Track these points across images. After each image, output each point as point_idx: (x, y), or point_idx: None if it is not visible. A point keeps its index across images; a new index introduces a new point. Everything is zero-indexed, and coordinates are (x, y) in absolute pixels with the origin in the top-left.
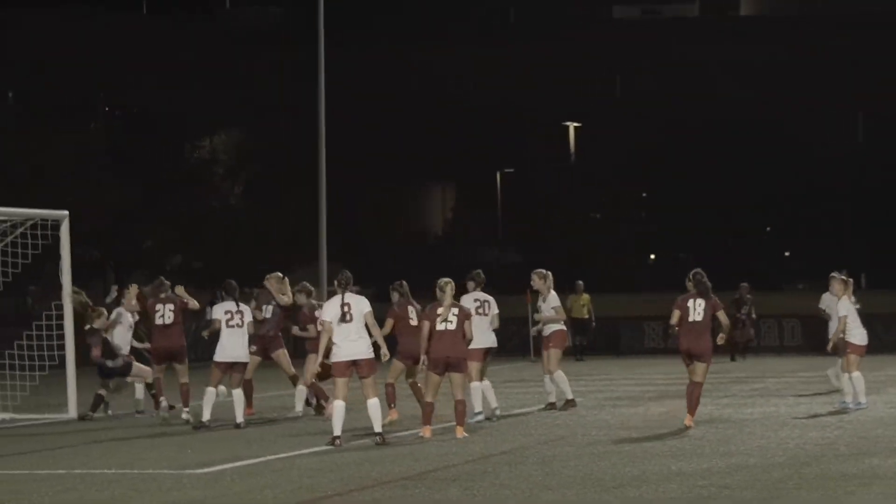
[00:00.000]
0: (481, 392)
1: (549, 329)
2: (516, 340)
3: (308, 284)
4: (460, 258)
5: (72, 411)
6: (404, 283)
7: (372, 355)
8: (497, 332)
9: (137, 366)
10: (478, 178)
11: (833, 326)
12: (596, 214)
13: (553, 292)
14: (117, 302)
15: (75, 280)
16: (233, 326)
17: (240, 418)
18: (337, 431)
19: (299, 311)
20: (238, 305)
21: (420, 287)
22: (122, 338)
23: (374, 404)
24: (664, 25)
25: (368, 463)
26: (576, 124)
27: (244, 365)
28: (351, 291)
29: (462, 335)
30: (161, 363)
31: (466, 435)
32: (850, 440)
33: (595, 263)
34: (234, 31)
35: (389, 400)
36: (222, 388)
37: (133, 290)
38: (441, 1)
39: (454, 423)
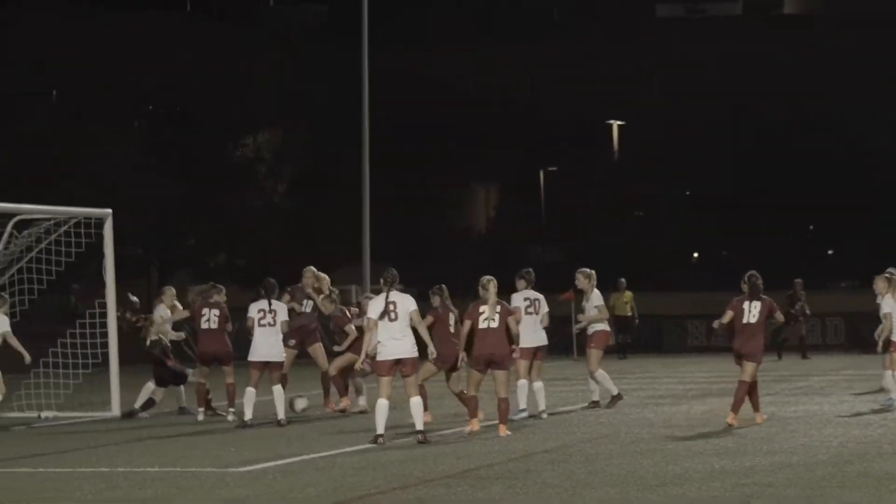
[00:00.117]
0: (527, 390)
1: (593, 328)
2: (559, 339)
3: (332, 295)
4: (503, 256)
5: (115, 409)
6: (444, 287)
7: (416, 354)
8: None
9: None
10: (521, 177)
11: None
12: (639, 213)
13: (597, 291)
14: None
15: (118, 278)
16: (265, 325)
17: (281, 415)
18: (380, 430)
19: (329, 320)
20: (271, 304)
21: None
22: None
23: (416, 403)
24: (707, 24)
25: (411, 461)
26: (619, 122)
27: (280, 363)
28: (396, 290)
29: (505, 333)
30: (207, 366)
31: (509, 433)
32: (893, 438)
33: (638, 261)
34: (278, 29)
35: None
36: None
37: (170, 292)
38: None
39: (497, 422)
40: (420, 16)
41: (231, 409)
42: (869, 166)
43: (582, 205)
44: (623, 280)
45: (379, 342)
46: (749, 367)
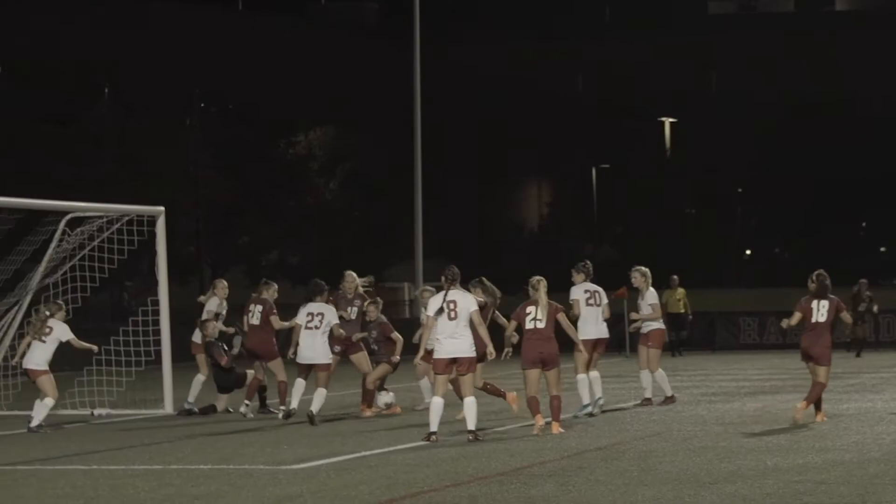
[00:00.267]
0: (587, 385)
1: (648, 327)
2: (611, 336)
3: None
4: (555, 253)
5: (168, 407)
6: (483, 279)
7: (473, 353)
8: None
9: (250, 373)
10: (574, 174)
11: None
12: (691, 210)
13: (652, 289)
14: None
15: (171, 276)
16: (311, 328)
17: (315, 408)
18: (433, 427)
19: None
20: (318, 306)
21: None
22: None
23: (470, 402)
24: (760, 20)
25: (464, 459)
26: (671, 120)
27: (326, 365)
28: (457, 288)
29: (554, 333)
30: (252, 361)
31: (562, 430)
32: None
33: (690, 259)
34: (330, 26)
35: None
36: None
37: (222, 284)
38: None
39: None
40: (473, 12)
41: (281, 408)
42: None
43: (634, 202)
44: (675, 277)
45: (436, 340)
46: (821, 370)
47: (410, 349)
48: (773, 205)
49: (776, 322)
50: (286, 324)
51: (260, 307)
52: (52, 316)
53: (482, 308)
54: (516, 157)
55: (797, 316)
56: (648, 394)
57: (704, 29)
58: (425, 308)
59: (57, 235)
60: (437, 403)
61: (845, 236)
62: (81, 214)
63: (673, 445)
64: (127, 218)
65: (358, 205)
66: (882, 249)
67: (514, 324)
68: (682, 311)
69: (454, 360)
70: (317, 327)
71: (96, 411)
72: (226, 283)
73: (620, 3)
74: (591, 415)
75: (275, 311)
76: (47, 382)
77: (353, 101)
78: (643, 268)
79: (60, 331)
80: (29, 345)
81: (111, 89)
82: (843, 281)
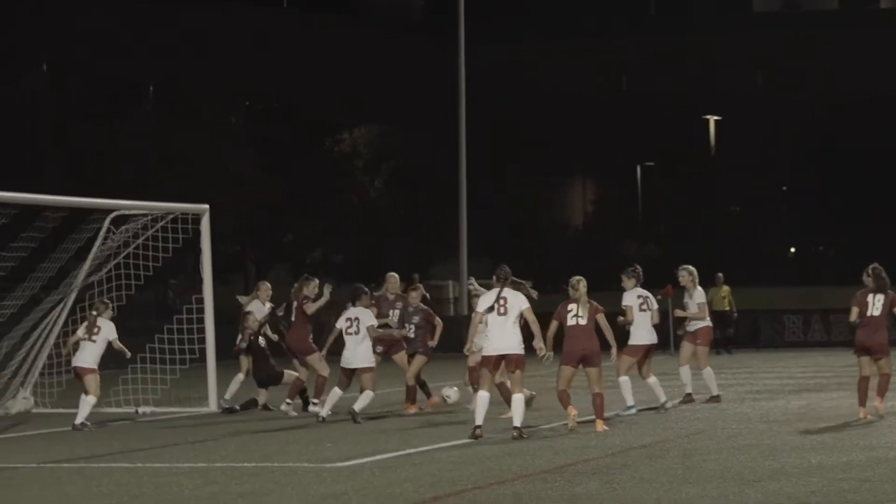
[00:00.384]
0: (630, 385)
1: (696, 325)
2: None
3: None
4: (600, 251)
5: (212, 405)
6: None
7: (522, 351)
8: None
9: (288, 372)
10: (618, 171)
11: None
12: (736, 208)
13: (700, 288)
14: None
15: (215, 274)
16: (350, 334)
17: (357, 409)
18: (479, 421)
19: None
20: (356, 311)
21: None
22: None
23: (518, 399)
24: (804, 18)
25: (508, 456)
26: (716, 118)
27: (368, 368)
28: (509, 287)
29: (594, 330)
30: (292, 359)
31: (606, 428)
32: None
33: (735, 256)
34: (375, 23)
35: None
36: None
37: (265, 286)
38: None
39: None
40: (518, 11)
41: (314, 401)
42: None
43: (678, 199)
44: (721, 275)
45: (486, 336)
46: (882, 362)
47: (455, 347)
48: (817, 202)
49: (820, 320)
50: (318, 304)
51: (295, 303)
52: (99, 315)
53: None
54: (561, 155)
55: (855, 311)
56: (689, 389)
57: (749, 26)
58: (475, 297)
59: (102, 234)
60: (483, 398)
61: (891, 234)
62: (126, 212)
63: (717, 443)
64: (171, 216)
65: (402, 203)
66: None
67: (555, 324)
68: (728, 308)
69: (503, 357)
70: (355, 332)
71: (140, 409)
72: (269, 284)
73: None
74: (656, 409)
75: (307, 301)
76: (92, 381)
77: (398, 99)
78: (690, 266)
79: (108, 330)
80: (78, 343)
81: (155, 88)
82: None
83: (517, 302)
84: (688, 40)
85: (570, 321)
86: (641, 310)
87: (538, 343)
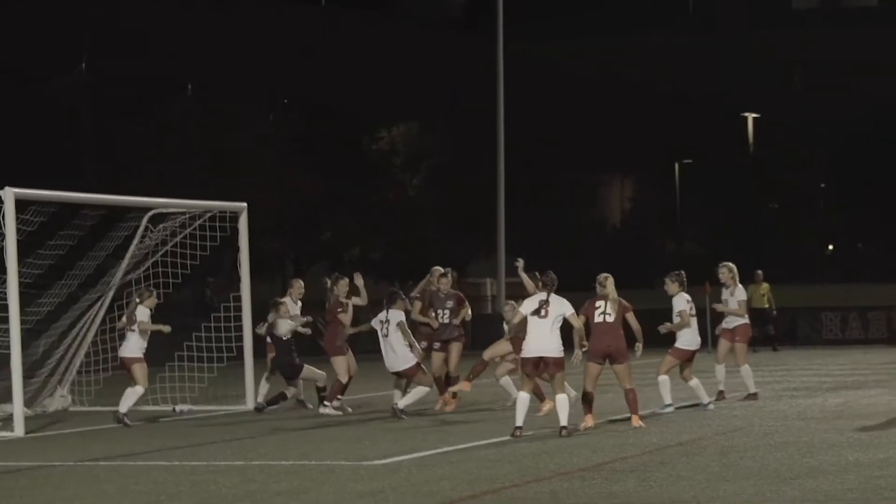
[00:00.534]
0: (669, 384)
1: (735, 322)
2: None
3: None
4: (638, 249)
5: (250, 403)
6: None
7: (561, 354)
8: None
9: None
10: (657, 169)
11: None
12: (774, 205)
13: (740, 286)
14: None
15: (253, 272)
16: (384, 336)
17: (400, 405)
18: (519, 422)
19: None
20: (388, 313)
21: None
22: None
23: (562, 399)
24: (843, 15)
25: (546, 454)
26: (754, 115)
27: (408, 368)
28: (553, 293)
29: (622, 329)
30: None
31: (642, 424)
32: None
33: (773, 254)
34: (413, 20)
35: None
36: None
37: (298, 284)
38: None
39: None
40: (557, 8)
41: (326, 404)
42: None
43: (717, 197)
44: (760, 272)
45: (525, 339)
46: None
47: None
48: (856, 200)
49: (858, 317)
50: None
51: (326, 304)
52: (141, 303)
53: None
54: (599, 153)
55: None
56: (722, 386)
57: (788, 23)
58: (507, 324)
59: (139, 232)
60: (523, 398)
61: None
62: (164, 210)
63: (754, 441)
64: (209, 214)
65: (441, 201)
66: None
67: (582, 318)
68: (766, 306)
69: (541, 360)
70: (385, 335)
71: (178, 407)
72: (301, 283)
73: None
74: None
75: (341, 307)
76: (139, 371)
77: (437, 97)
78: (730, 263)
79: (142, 315)
80: (122, 335)
81: (194, 86)
82: None
83: (561, 307)
84: (727, 36)
85: (598, 318)
86: (690, 314)
87: (578, 348)
